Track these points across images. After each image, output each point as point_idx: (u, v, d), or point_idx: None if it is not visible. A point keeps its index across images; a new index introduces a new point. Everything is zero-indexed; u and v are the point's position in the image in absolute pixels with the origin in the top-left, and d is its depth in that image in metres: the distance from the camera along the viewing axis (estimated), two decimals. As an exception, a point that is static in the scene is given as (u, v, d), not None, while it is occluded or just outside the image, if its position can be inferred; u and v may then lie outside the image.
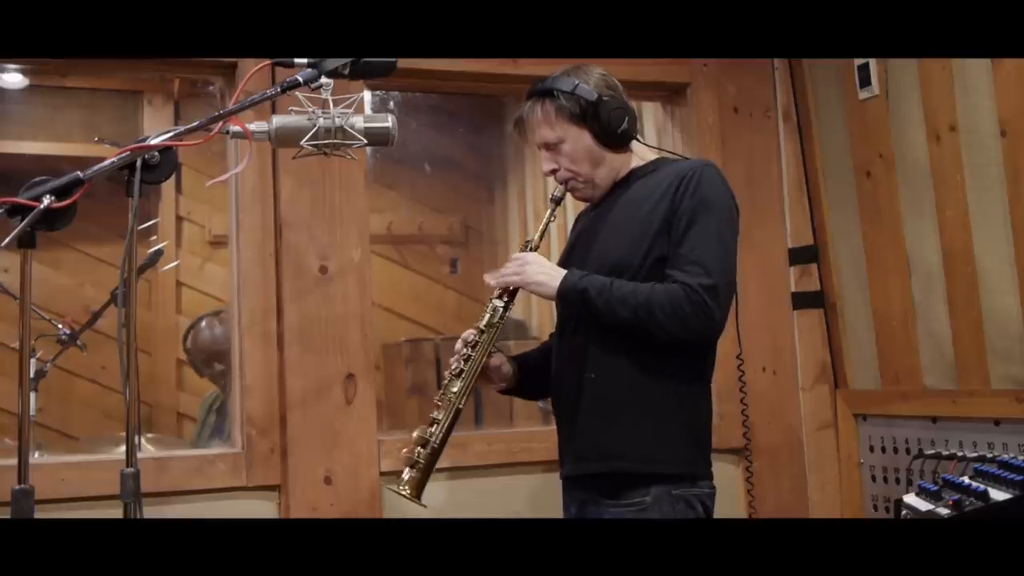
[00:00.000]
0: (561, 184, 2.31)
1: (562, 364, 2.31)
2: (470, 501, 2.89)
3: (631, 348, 2.15)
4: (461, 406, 2.23)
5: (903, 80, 2.95)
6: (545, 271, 2.22)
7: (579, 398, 2.22)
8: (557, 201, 2.33)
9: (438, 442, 2.20)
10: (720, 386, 3.10)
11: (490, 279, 2.29)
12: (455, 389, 2.24)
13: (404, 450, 2.21)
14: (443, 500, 2.88)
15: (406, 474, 2.19)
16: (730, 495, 3.10)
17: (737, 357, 2.52)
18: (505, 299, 2.28)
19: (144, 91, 4.78)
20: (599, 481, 2.19)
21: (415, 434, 2.22)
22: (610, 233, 2.25)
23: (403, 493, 2.17)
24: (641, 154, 2.36)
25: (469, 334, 2.28)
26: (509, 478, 2.93)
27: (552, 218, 2.35)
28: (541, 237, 2.34)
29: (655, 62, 3.20)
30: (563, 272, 2.20)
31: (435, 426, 2.21)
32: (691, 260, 2.11)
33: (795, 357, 3.33)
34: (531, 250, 2.31)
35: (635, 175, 2.31)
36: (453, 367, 2.27)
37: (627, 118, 2.25)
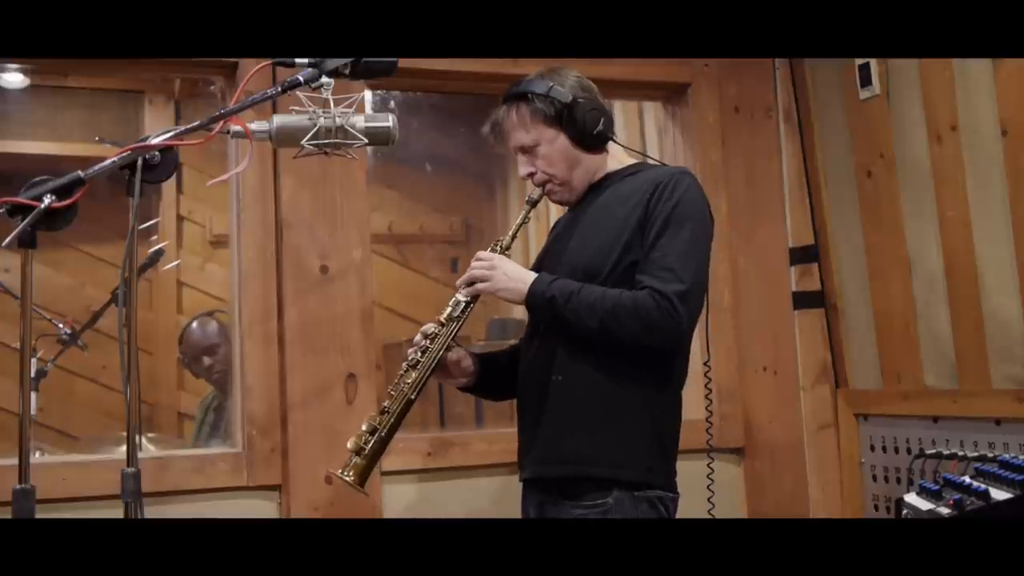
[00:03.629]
0: (538, 187, 2.30)
1: (529, 365, 2.29)
2: (471, 501, 2.89)
3: (600, 352, 2.14)
4: (413, 397, 2.23)
5: (904, 80, 2.95)
6: (513, 277, 2.20)
7: (545, 400, 2.21)
8: (533, 203, 2.32)
9: (386, 432, 2.20)
10: (720, 386, 3.12)
11: (460, 287, 2.28)
12: (409, 380, 2.23)
13: (351, 439, 2.20)
14: (444, 500, 2.88)
15: (351, 460, 2.18)
16: (736, 495, 3.12)
17: (705, 364, 2.52)
18: (470, 295, 2.28)
19: (145, 91, 4.78)
20: (560, 483, 2.19)
21: (364, 424, 2.21)
22: (582, 237, 2.24)
23: (347, 479, 2.16)
24: (618, 156, 2.35)
25: (429, 326, 2.27)
26: (510, 478, 2.92)
27: (526, 220, 2.33)
28: (513, 239, 2.32)
29: (656, 62, 3.20)
30: (532, 278, 2.18)
31: (385, 415, 2.21)
32: (662, 266, 2.10)
33: (796, 357, 3.32)
34: (501, 250, 2.29)
35: (610, 178, 2.30)
36: (410, 358, 2.26)
37: (602, 119, 2.24)
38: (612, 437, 2.14)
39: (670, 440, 2.22)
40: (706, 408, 2.55)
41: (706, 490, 2.45)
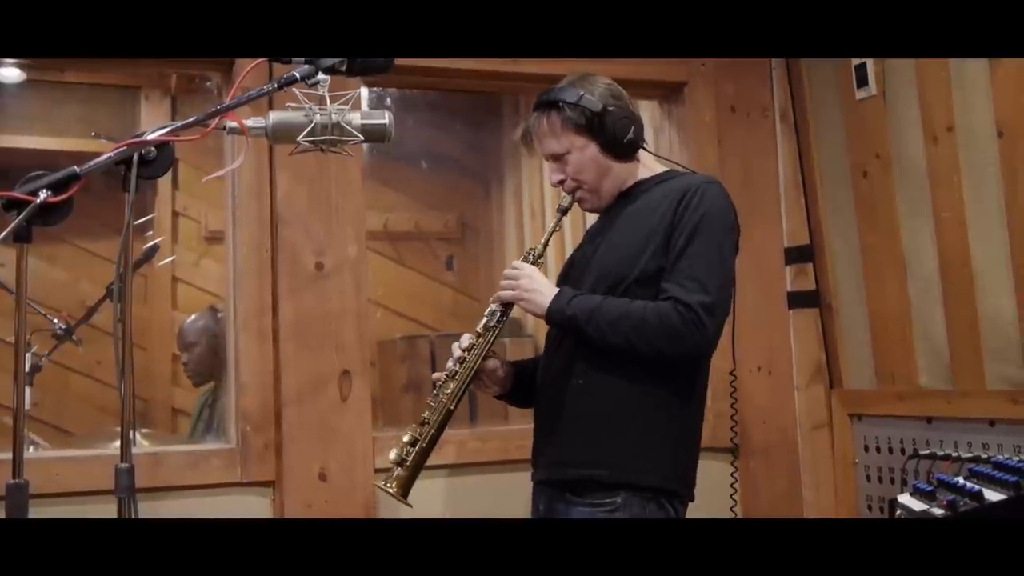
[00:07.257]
0: (568, 194, 2.31)
1: (550, 369, 2.30)
2: (465, 499, 2.89)
3: (623, 358, 2.14)
4: (453, 408, 2.24)
5: (901, 80, 2.95)
6: (538, 290, 2.22)
7: (564, 404, 2.22)
8: (564, 211, 2.33)
9: (427, 442, 2.21)
10: (714, 386, 3.11)
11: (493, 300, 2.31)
12: (448, 391, 2.24)
13: (393, 450, 2.21)
14: (438, 498, 2.88)
15: (394, 472, 2.20)
16: (726, 494, 3.11)
17: (731, 373, 2.56)
18: (503, 305, 2.29)
19: (142, 86, 4.78)
20: (572, 484, 2.19)
21: (405, 435, 2.22)
22: (610, 244, 2.25)
23: (390, 491, 2.17)
24: (648, 165, 2.35)
25: (465, 338, 2.29)
26: (505, 476, 2.92)
27: (557, 228, 2.35)
28: (545, 246, 2.33)
29: (653, 61, 3.20)
30: (553, 293, 2.19)
31: (425, 426, 2.22)
32: (689, 276, 2.10)
33: (791, 356, 3.33)
34: (534, 259, 2.30)
35: (640, 187, 2.30)
36: (448, 369, 2.27)
37: (633, 128, 2.25)
38: (632, 443, 2.14)
39: (691, 449, 2.23)
40: (732, 407, 2.63)
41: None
